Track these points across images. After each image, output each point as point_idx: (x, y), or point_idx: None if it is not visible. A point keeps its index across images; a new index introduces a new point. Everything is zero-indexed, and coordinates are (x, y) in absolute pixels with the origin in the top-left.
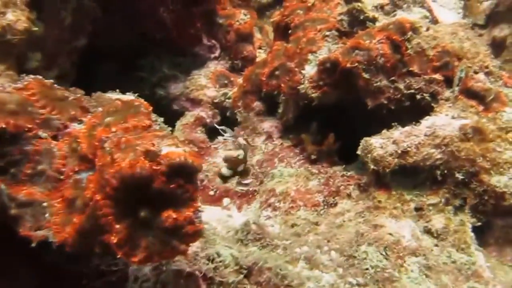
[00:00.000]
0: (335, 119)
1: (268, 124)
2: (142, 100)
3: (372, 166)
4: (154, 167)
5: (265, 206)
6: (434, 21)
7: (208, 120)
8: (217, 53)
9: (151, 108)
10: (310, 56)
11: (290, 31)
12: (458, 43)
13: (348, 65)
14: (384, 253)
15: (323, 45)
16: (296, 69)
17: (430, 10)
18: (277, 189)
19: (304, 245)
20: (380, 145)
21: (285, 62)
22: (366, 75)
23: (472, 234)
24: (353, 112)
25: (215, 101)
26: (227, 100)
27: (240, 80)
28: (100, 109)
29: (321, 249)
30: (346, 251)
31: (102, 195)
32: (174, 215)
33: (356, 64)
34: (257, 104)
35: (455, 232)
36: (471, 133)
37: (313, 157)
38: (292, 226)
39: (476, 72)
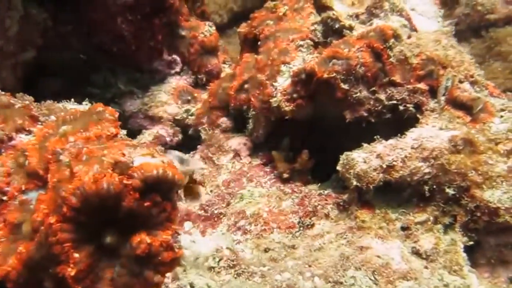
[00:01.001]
0: (309, 135)
1: (236, 142)
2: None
3: (355, 183)
4: (125, 182)
5: (234, 230)
6: (413, 30)
7: (168, 139)
8: (177, 69)
9: (117, 114)
10: (283, 68)
11: (259, 43)
12: (442, 51)
13: (325, 75)
14: (373, 277)
15: (296, 56)
16: (268, 81)
17: (408, 19)
18: (248, 211)
19: (285, 271)
20: (363, 159)
21: (256, 74)
22: (344, 86)
23: (464, 254)
24: (329, 127)
25: (177, 118)
26: (189, 117)
27: (204, 95)
28: (53, 117)
29: (303, 275)
30: (332, 277)
31: (58, 217)
32: (148, 240)
33: (334, 74)
34: (223, 120)
35: (446, 252)
36: (462, 145)
37: (285, 176)
38: (266, 250)
39: (461, 82)
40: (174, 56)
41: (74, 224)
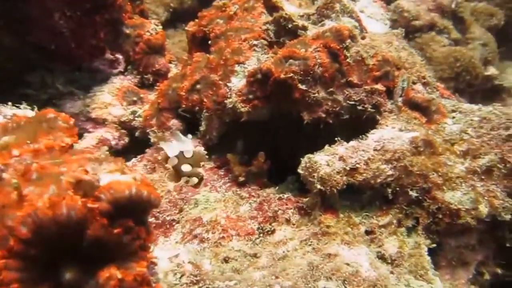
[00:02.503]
0: (265, 137)
1: None
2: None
3: (319, 186)
4: (90, 205)
5: (189, 238)
6: (364, 31)
7: (113, 143)
8: (121, 68)
9: (72, 121)
10: (237, 68)
11: (210, 42)
12: (395, 52)
13: (282, 75)
14: (343, 287)
15: (251, 56)
16: (221, 82)
17: (358, 20)
18: (204, 218)
19: (253, 285)
20: (326, 162)
21: (208, 74)
22: (302, 86)
23: (428, 257)
24: (285, 128)
25: (122, 120)
26: (136, 119)
27: (151, 96)
28: None
29: None
30: None
31: (2, 252)
32: (119, 275)
33: (291, 74)
34: (174, 123)
35: (411, 256)
36: (422, 146)
37: (241, 179)
38: (226, 260)
39: (414, 83)
40: (117, 55)
41: (23, 260)
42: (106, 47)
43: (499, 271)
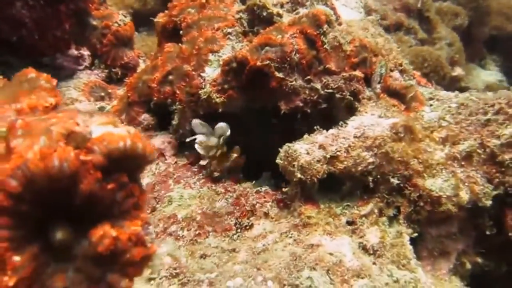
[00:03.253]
0: (238, 133)
1: (160, 140)
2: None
3: (299, 175)
4: (83, 158)
5: (164, 237)
6: (338, 18)
7: None
8: (86, 63)
9: (55, 82)
10: (211, 57)
11: (182, 32)
12: (371, 38)
13: (258, 63)
14: (328, 277)
15: (225, 44)
16: (194, 72)
17: (333, 8)
18: (179, 214)
19: (235, 276)
20: (306, 151)
21: (181, 65)
22: (279, 74)
23: (410, 247)
24: (261, 119)
25: None
26: None
27: (120, 91)
28: None
29: (255, 279)
30: (286, 280)
31: None
32: (114, 233)
33: (268, 62)
34: (145, 117)
35: (392, 246)
36: (402, 132)
37: (215, 174)
38: (203, 257)
39: (391, 70)
40: (82, 52)
41: (12, 217)
42: (72, 39)
43: (479, 260)
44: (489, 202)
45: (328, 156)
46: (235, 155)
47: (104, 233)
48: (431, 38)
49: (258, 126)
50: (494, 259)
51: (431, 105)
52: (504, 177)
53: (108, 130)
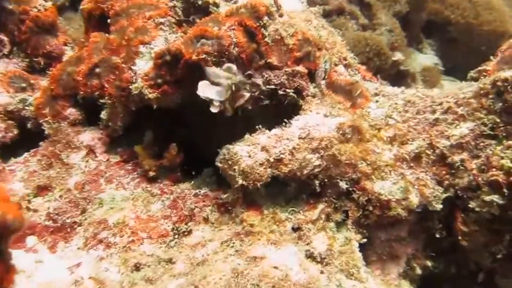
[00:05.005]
0: (176, 126)
1: (89, 136)
2: None
3: (240, 181)
4: None
5: (94, 243)
6: (279, 8)
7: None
8: (6, 49)
9: None
10: (142, 49)
11: (109, 21)
12: (314, 31)
13: (194, 57)
14: None
15: (158, 35)
16: (124, 65)
17: None
18: (110, 219)
19: None
20: (247, 153)
21: (109, 56)
22: None
23: (360, 254)
24: (199, 116)
25: (9, 109)
26: (27, 108)
27: (44, 82)
28: None
29: None
30: None
31: None
32: None
33: (204, 55)
34: (71, 112)
35: (341, 254)
36: (350, 133)
37: (151, 174)
38: (136, 267)
39: (336, 64)
40: (1, 36)
41: None
42: None
43: (429, 263)
44: (439, 206)
45: (271, 159)
46: (171, 152)
47: None
48: (371, 24)
49: (199, 118)
50: (444, 261)
51: (377, 101)
52: (454, 179)
53: None
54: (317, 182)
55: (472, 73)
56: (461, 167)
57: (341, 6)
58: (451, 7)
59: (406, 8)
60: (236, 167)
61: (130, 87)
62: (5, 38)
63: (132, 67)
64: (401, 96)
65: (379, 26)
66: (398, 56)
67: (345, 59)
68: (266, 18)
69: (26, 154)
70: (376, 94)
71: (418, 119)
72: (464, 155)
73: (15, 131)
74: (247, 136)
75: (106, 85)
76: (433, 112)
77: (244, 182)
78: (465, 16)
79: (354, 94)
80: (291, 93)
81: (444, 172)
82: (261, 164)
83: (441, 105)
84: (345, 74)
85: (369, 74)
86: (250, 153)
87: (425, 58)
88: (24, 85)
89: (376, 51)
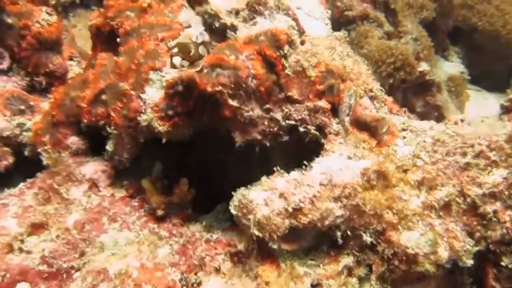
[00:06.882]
0: (187, 158)
1: (92, 168)
2: None
3: (256, 233)
4: None
5: None
6: (301, 32)
7: None
8: (5, 64)
9: None
10: (153, 75)
11: (119, 40)
12: (339, 60)
13: (209, 88)
14: None
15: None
16: (133, 92)
17: (295, 19)
18: (111, 269)
19: None
20: (264, 201)
21: (116, 82)
22: (233, 103)
23: None
24: (212, 150)
25: (5, 135)
26: (24, 133)
27: (44, 104)
28: None
29: None
30: None
31: None
32: None
33: (220, 87)
34: (73, 140)
35: None
36: (375, 180)
37: (159, 213)
38: None
39: (361, 96)
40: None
41: None
42: None
43: None
44: (470, 262)
45: (290, 208)
46: (182, 189)
47: None
48: (396, 31)
49: (213, 150)
50: None
51: (404, 137)
52: (486, 231)
53: None
54: (339, 233)
55: (503, 102)
56: (493, 219)
57: (365, 12)
58: (479, 13)
59: (433, 15)
60: (251, 216)
61: (139, 118)
62: (5, 52)
63: (141, 95)
64: (429, 133)
65: (404, 34)
66: (424, 66)
67: (371, 90)
68: (287, 47)
69: (21, 185)
70: (404, 130)
71: (448, 161)
72: (497, 206)
73: (11, 159)
74: (264, 178)
75: (113, 114)
76: (464, 154)
77: (259, 234)
78: (492, 23)
79: (380, 131)
80: (312, 131)
81: (475, 223)
82: (278, 214)
83: (472, 148)
84: (371, 108)
85: (396, 107)
86: (267, 200)
87: (451, 66)
88: (22, 107)
89: (402, 62)
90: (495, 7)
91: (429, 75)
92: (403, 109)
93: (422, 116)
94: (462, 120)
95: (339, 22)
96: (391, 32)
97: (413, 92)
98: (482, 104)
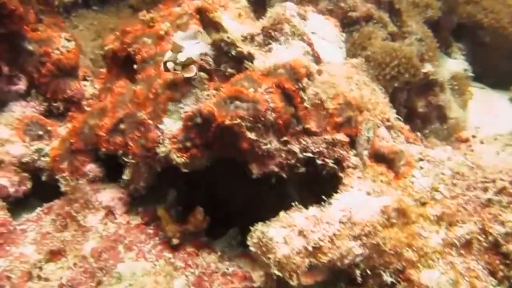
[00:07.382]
0: (202, 183)
1: (109, 195)
2: None
3: (276, 273)
4: None
5: None
6: (316, 57)
7: (12, 190)
8: (22, 85)
9: None
10: (171, 106)
11: (136, 67)
12: (356, 90)
13: (227, 121)
14: None
15: (188, 91)
16: (151, 122)
17: (310, 44)
18: None
19: None
20: (283, 239)
21: (134, 111)
22: (251, 135)
23: None
24: (228, 180)
25: (24, 161)
26: (42, 158)
27: (62, 129)
28: None
29: None
30: None
31: None
32: None
33: (238, 120)
34: (91, 168)
35: None
36: (395, 218)
37: (175, 241)
38: None
39: (378, 126)
40: (17, 76)
41: None
42: (3, 66)
43: None
44: None
45: (309, 247)
46: (197, 217)
47: None
48: (401, 32)
49: (228, 178)
50: None
51: (421, 167)
52: (509, 271)
53: None
54: (358, 272)
55: None
56: None
57: (369, 13)
58: (484, 10)
59: (438, 14)
60: (271, 255)
61: (156, 149)
62: (22, 80)
63: (159, 125)
64: (448, 164)
65: (409, 34)
66: (428, 68)
67: (388, 120)
68: (305, 80)
69: (38, 209)
70: (421, 159)
71: (469, 196)
72: None
73: (29, 185)
74: (282, 214)
75: (131, 143)
76: (485, 190)
77: (280, 274)
78: (499, 20)
79: (398, 164)
80: (330, 164)
81: (497, 262)
82: (298, 253)
83: (494, 183)
84: (388, 138)
85: (413, 136)
86: (286, 238)
87: (454, 64)
88: (41, 132)
89: (406, 64)
90: (502, 3)
91: (433, 74)
92: (419, 136)
93: (424, 117)
94: (474, 136)
95: (343, 23)
96: (395, 32)
97: (415, 92)
98: (486, 102)
